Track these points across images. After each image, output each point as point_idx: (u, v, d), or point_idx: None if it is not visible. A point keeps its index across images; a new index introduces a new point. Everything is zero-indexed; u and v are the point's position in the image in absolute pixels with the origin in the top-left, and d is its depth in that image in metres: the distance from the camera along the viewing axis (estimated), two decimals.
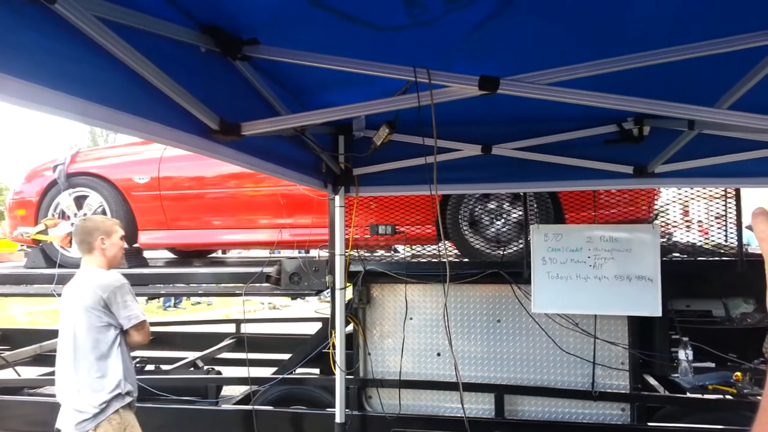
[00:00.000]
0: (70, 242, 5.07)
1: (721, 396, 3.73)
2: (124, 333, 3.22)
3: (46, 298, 5.08)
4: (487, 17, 1.94)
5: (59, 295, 4.84)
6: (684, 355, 3.79)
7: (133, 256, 4.99)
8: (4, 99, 1.24)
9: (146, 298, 13.74)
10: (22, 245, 5.84)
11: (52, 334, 6.26)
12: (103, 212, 5.07)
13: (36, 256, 5.14)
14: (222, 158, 2.20)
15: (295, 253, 5.35)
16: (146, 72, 1.58)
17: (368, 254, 4.43)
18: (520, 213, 4.26)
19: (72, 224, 5.09)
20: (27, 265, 5.21)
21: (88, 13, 1.32)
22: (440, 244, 4.39)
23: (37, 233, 5.01)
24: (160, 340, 6.33)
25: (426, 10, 1.85)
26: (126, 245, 3.66)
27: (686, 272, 4.10)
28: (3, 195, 26.68)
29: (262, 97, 2.41)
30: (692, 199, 4.20)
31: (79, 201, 5.14)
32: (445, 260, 4.04)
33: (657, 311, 3.75)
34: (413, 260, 4.42)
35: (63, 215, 5.13)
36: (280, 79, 2.52)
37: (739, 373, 3.76)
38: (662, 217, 4.30)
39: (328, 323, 4.35)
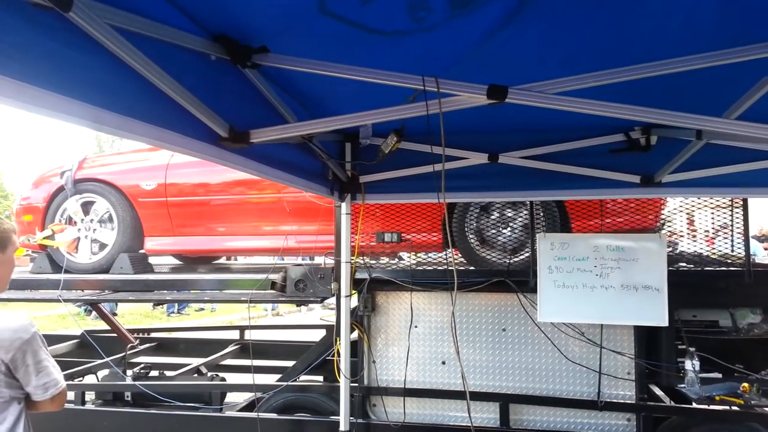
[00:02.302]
0: (77, 248, 5.09)
1: (728, 407, 3.70)
2: (29, 401, 2.23)
3: (49, 304, 5.07)
4: (494, 27, 1.95)
5: (65, 300, 4.90)
6: (690, 365, 3.77)
7: (139, 262, 5.00)
8: (19, 105, 1.25)
9: (152, 304, 13.96)
10: (28, 250, 5.86)
11: (57, 339, 6.29)
12: (110, 218, 5.10)
13: (42, 261, 5.16)
14: (230, 165, 2.22)
15: (300, 260, 5.36)
16: (158, 80, 1.59)
17: (374, 262, 4.43)
18: (527, 221, 4.25)
19: (79, 230, 5.12)
20: (33, 270, 5.23)
21: (102, 22, 1.34)
22: (446, 252, 4.39)
23: (44, 238, 5.03)
24: (164, 347, 6.34)
25: (431, 13, 1.86)
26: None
27: (693, 282, 4.08)
28: (9, 201, 26.81)
29: (270, 105, 2.43)
30: (699, 208, 4.19)
31: (86, 207, 5.16)
32: (451, 268, 4.04)
33: (663, 321, 3.73)
34: (419, 268, 4.41)
35: (70, 221, 5.16)
36: (289, 87, 2.53)
37: (746, 384, 3.74)
38: (669, 226, 4.29)
39: (332, 330, 4.35)
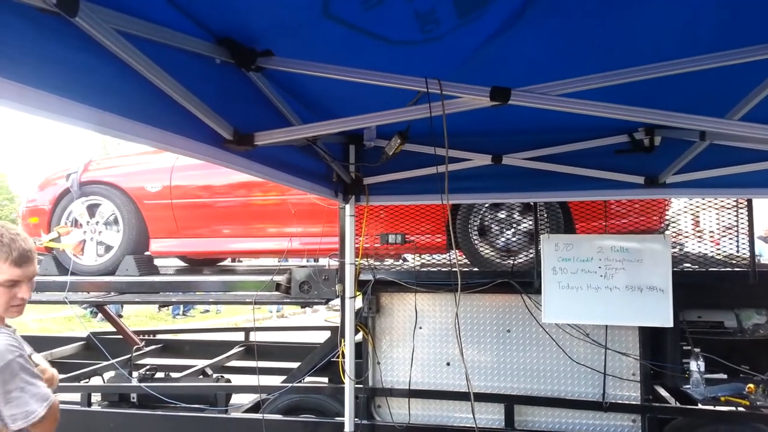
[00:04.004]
0: (83, 250, 5.11)
1: (733, 408, 3.68)
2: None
3: (55, 306, 5.09)
4: (498, 30, 1.96)
5: (71, 302, 4.93)
6: (696, 366, 3.76)
7: (145, 264, 5.03)
8: (23, 109, 1.26)
9: (158, 306, 14.01)
10: None
11: (63, 341, 6.32)
12: (116, 220, 5.12)
13: (48, 263, 5.19)
14: (235, 168, 2.23)
15: (304, 261, 5.37)
16: (163, 83, 1.60)
17: (378, 263, 4.43)
18: (531, 222, 4.25)
19: (84, 232, 5.14)
20: (39, 273, 5.24)
21: (107, 26, 1.35)
22: (450, 253, 4.39)
23: (50, 241, 5.06)
24: (169, 348, 6.36)
25: (439, 26, 1.87)
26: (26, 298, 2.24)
27: (698, 283, 4.06)
28: (15, 203, 26.90)
29: (274, 108, 2.44)
30: (703, 209, 4.18)
31: (92, 209, 5.19)
32: (456, 269, 4.04)
33: (668, 322, 3.72)
34: (423, 269, 4.42)
35: (76, 223, 5.18)
36: (293, 89, 2.54)
37: (751, 385, 3.72)
38: (673, 227, 4.28)
39: (337, 332, 4.35)
